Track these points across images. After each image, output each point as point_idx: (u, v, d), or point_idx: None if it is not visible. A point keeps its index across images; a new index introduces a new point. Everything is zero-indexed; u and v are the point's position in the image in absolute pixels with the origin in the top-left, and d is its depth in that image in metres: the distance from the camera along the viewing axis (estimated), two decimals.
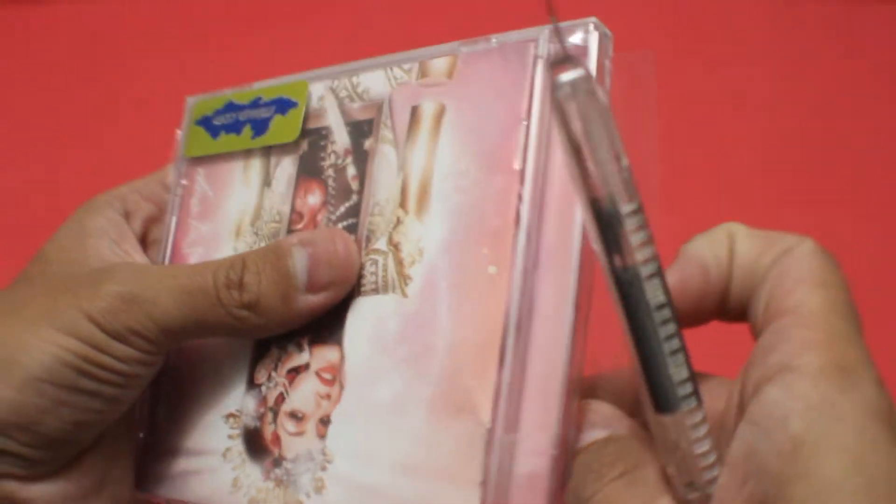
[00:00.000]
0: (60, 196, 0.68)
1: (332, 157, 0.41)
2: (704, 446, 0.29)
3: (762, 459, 0.27)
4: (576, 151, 0.28)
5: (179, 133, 0.46)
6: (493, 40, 0.38)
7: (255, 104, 0.43)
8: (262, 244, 0.41)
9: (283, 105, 0.42)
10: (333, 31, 0.79)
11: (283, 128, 0.42)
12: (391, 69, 0.40)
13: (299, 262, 0.38)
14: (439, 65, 0.39)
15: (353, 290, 0.38)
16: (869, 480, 0.26)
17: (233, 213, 0.43)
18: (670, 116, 0.63)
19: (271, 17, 0.80)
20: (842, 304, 0.30)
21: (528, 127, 0.35)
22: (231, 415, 0.40)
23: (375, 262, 0.38)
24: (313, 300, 0.38)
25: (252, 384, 0.40)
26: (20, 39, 0.81)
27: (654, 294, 0.28)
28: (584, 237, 0.34)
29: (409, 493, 0.34)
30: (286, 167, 0.42)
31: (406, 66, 0.40)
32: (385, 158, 0.39)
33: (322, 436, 0.37)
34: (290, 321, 0.38)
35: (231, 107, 0.44)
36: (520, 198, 0.35)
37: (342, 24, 0.79)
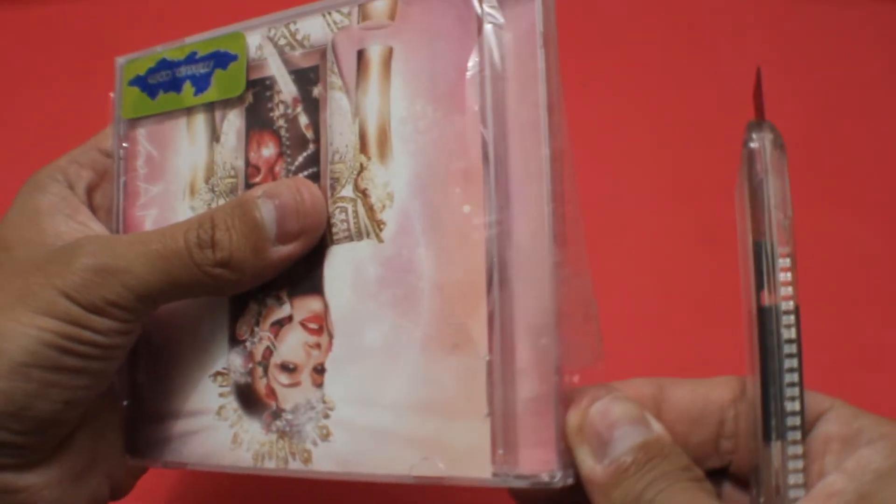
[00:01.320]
0: None
1: (281, 107, 0.41)
2: (798, 478, 0.33)
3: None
4: (754, 197, 0.33)
5: (113, 96, 0.45)
6: None
7: (191, 60, 0.43)
8: (221, 201, 0.42)
9: (221, 59, 0.42)
10: None
11: (227, 82, 0.42)
12: (329, 14, 0.40)
13: (267, 213, 0.38)
14: (380, 6, 0.39)
15: (325, 239, 0.39)
16: None
17: (183, 172, 0.43)
18: (671, 116, 0.64)
19: None
20: None
21: (481, 65, 0.36)
22: (218, 373, 0.41)
23: (345, 210, 0.38)
24: (285, 250, 0.38)
25: (235, 341, 0.41)
26: (20, 39, 0.78)
27: (787, 331, 0.33)
28: (554, 170, 0.35)
29: (417, 431, 0.36)
30: (233, 121, 0.42)
31: (345, 10, 0.40)
32: (338, 105, 0.39)
33: (318, 384, 0.38)
34: (264, 273, 0.39)
35: (165, 64, 0.43)
36: (483, 137, 0.36)
37: None
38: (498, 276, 0.35)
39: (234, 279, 0.38)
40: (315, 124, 0.40)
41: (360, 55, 0.39)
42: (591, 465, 0.33)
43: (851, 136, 0.66)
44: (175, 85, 0.43)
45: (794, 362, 0.33)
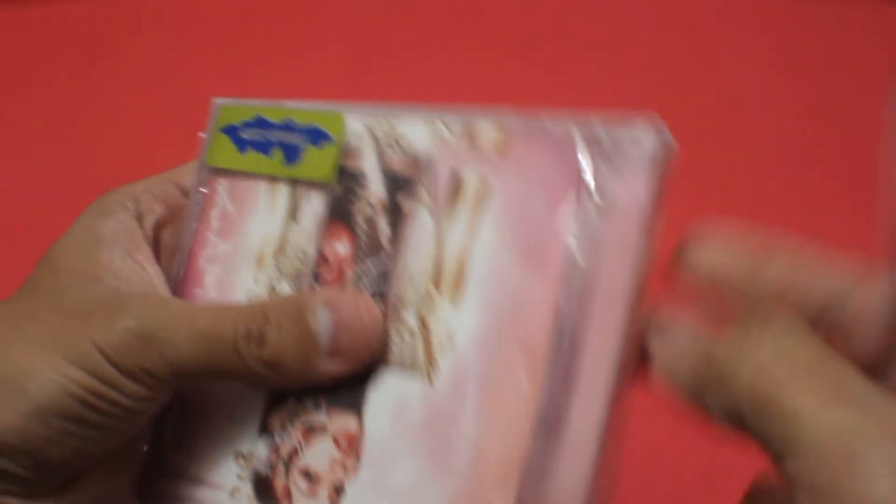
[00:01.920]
0: (61, 197, 0.67)
1: (366, 206, 0.39)
2: None
3: None
4: None
5: (203, 136, 0.44)
6: (547, 122, 0.36)
7: (287, 127, 0.41)
8: (283, 282, 0.40)
9: (316, 136, 0.40)
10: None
11: (318, 163, 0.40)
12: (435, 123, 0.38)
13: (323, 324, 0.37)
14: (488, 135, 0.37)
15: (376, 359, 0.38)
16: None
17: (255, 239, 0.42)
18: (671, 116, 0.62)
19: (278, 18, 0.78)
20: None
21: (573, 235, 0.34)
22: (241, 455, 0.40)
23: (402, 336, 0.37)
24: (333, 366, 0.37)
25: (264, 429, 0.40)
26: (20, 39, 0.78)
27: None
28: (623, 360, 0.33)
29: None
30: (315, 204, 0.40)
31: (451, 125, 0.38)
32: (421, 225, 0.37)
33: (334, 503, 0.37)
34: (307, 381, 0.38)
35: (261, 122, 0.42)
36: (559, 310, 0.34)
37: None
38: (536, 462, 0.33)
39: (275, 379, 0.37)
40: (395, 237, 0.38)
41: (456, 179, 0.37)
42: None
43: (851, 136, 0.65)
44: (265, 147, 0.41)
45: None
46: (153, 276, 0.42)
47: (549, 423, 0.34)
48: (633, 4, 0.70)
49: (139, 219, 0.42)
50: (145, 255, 0.42)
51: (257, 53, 0.77)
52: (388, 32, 0.79)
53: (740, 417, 0.30)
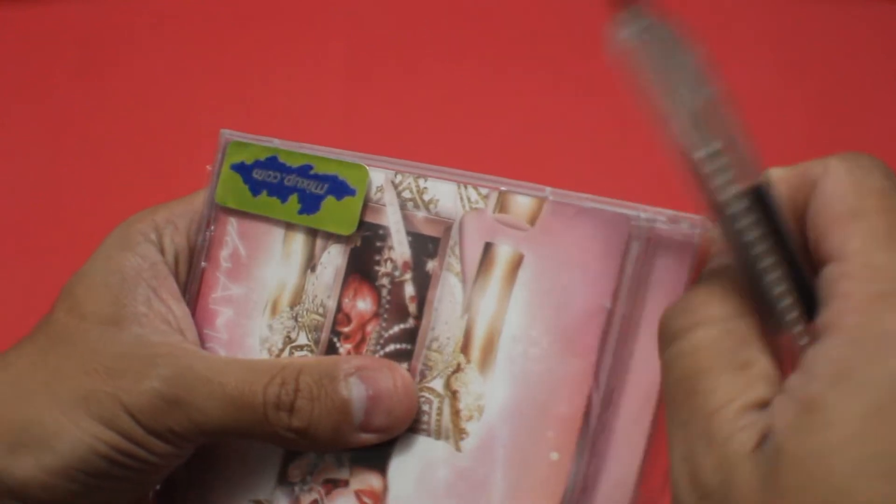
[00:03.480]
0: (60, 197, 0.67)
1: (389, 265, 0.39)
2: None
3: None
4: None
5: (210, 169, 0.42)
6: (588, 201, 0.36)
7: (305, 172, 0.40)
8: (301, 333, 0.40)
9: (338, 187, 0.40)
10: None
11: (338, 216, 0.39)
12: (465, 187, 0.38)
13: (357, 398, 0.37)
14: (522, 203, 0.37)
15: None
16: None
17: (269, 285, 0.41)
18: None
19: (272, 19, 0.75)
20: (882, 231, 0.28)
21: (611, 314, 0.35)
22: (258, 502, 0.41)
23: (430, 403, 0.38)
24: (365, 438, 0.37)
25: (284, 479, 0.40)
26: (20, 39, 0.74)
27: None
28: (649, 445, 0.35)
29: None
30: (334, 256, 0.40)
31: (482, 191, 0.37)
32: (450, 291, 0.38)
33: None
34: (337, 450, 0.38)
35: (275, 163, 0.41)
36: (592, 391, 0.35)
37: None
38: None
39: (305, 446, 0.38)
40: (421, 300, 0.38)
41: (487, 248, 0.37)
42: None
43: (851, 137, 0.66)
44: (281, 192, 0.41)
45: (771, 259, 0.29)
46: (179, 317, 0.41)
47: (579, 492, 0.35)
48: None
49: (162, 252, 0.41)
50: (170, 291, 0.41)
51: (257, 53, 0.74)
52: (389, 33, 0.77)
53: None
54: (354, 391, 0.37)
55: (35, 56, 0.73)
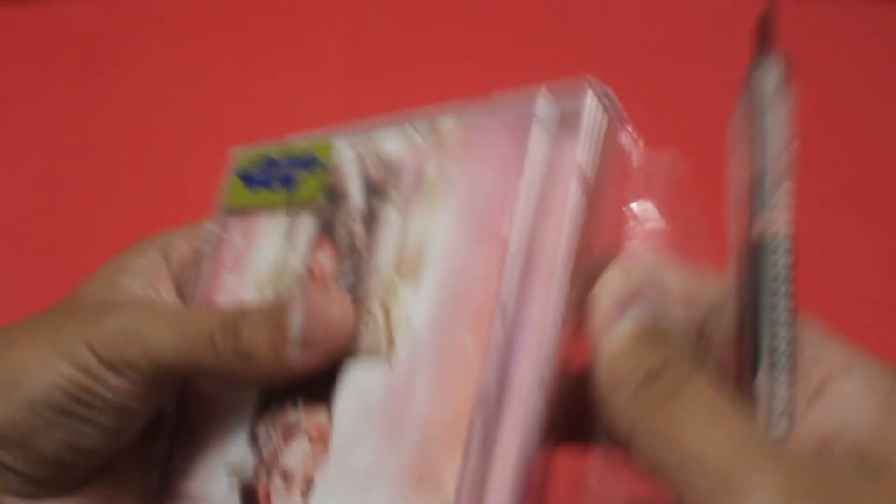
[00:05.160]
0: (60, 196, 0.69)
1: (346, 216, 0.41)
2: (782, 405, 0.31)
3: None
4: (754, 126, 0.33)
5: (222, 184, 0.47)
6: (494, 100, 0.37)
7: (288, 161, 0.44)
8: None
9: (310, 164, 0.43)
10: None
11: (308, 188, 0.43)
12: (407, 129, 0.40)
13: (295, 318, 0.38)
14: (446, 126, 0.38)
15: (346, 351, 0.38)
16: None
17: (257, 267, 0.44)
18: (669, 117, 0.62)
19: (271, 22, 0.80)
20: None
21: (518, 194, 0.35)
22: (232, 465, 0.41)
23: (367, 325, 0.38)
24: (303, 357, 0.38)
25: (254, 438, 0.41)
26: (20, 39, 0.82)
27: (786, 257, 0.32)
28: (564, 319, 0.33)
29: None
30: (308, 226, 0.43)
31: (420, 127, 0.40)
32: (389, 221, 0.39)
33: (304, 495, 0.37)
34: (279, 374, 0.39)
35: (268, 161, 0.45)
36: (502, 270, 0.34)
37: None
38: (481, 419, 0.33)
39: (248, 369, 0.38)
40: (366, 237, 0.40)
41: (419, 174, 0.39)
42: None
43: (851, 136, 0.64)
44: (269, 182, 0.44)
45: (790, 289, 0.32)
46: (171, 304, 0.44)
47: (493, 387, 0.33)
48: (633, 5, 0.70)
49: (167, 257, 0.46)
50: (166, 287, 0.45)
51: (257, 53, 0.79)
52: (389, 33, 0.80)
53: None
54: (294, 310, 0.38)
55: (35, 56, 0.75)
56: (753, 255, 0.32)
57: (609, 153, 0.35)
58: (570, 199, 0.34)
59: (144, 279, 0.44)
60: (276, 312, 0.38)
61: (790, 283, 0.31)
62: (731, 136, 0.34)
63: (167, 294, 0.45)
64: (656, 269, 0.34)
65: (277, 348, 0.38)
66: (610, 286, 0.33)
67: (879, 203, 0.62)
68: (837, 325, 0.56)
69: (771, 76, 0.33)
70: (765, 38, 0.34)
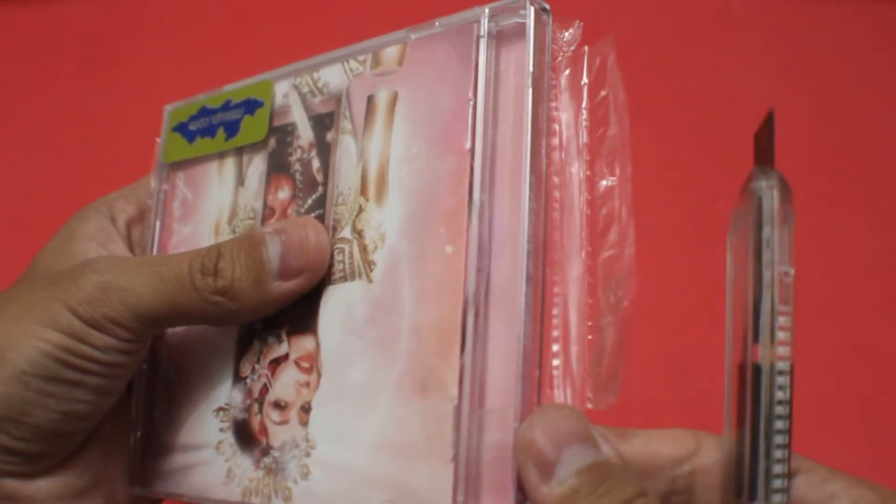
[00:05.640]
0: (60, 195, 0.69)
1: (298, 151, 0.42)
2: None
3: None
4: (756, 250, 0.32)
5: (159, 141, 0.47)
6: (437, 24, 0.38)
7: (226, 107, 0.45)
8: None
9: (250, 106, 0.44)
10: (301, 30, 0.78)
11: (252, 128, 0.43)
12: (348, 62, 0.41)
13: (272, 248, 0.39)
14: (391, 53, 0.39)
15: (324, 280, 0.39)
16: None
17: (211, 213, 0.44)
18: (670, 115, 0.63)
19: (269, 18, 0.80)
20: None
21: (474, 106, 0.36)
22: (220, 408, 0.42)
23: (342, 251, 0.39)
24: (286, 286, 0.39)
25: (238, 378, 0.41)
26: (20, 39, 0.81)
27: (781, 391, 0.31)
28: (536, 214, 0.35)
29: (385, 472, 0.35)
30: (257, 165, 0.43)
31: (361, 58, 0.41)
32: (346, 149, 0.40)
33: (304, 423, 0.38)
34: (263, 307, 0.39)
35: (205, 111, 0.45)
36: (471, 177, 0.35)
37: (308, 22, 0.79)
38: (473, 320, 0.34)
39: (233, 309, 0.39)
40: (325, 168, 0.40)
41: (370, 100, 0.40)
42: (538, 486, 0.31)
43: (851, 136, 0.65)
44: (210, 131, 0.45)
45: (786, 424, 0.31)
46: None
47: (478, 284, 0.34)
48: (634, 4, 0.71)
49: (112, 220, 0.46)
50: (119, 245, 0.45)
51: (257, 53, 0.79)
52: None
53: None
54: (270, 244, 0.39)
55: (36, 56, 0.77)
56: (752, 384, 0.32)
57: (549, 59, 0.37)
58: (525, 106, 0.35)
59: (97, 243, 0.44)
60: (250, 245, 0.39)
61: (786, 417, 0.31)
62: (729, 237, 0.34)
63: (119, 251, 0.45)
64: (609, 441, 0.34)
65: (260, 281, 0.39)
66: (552, 426, 0.33)
67: (880, 202, 0.64)
68: (839, 325, 0.58)
69: (772, 194, 0.32)
70: (765, 148, 0.34)
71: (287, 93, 0.43)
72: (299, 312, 0.40)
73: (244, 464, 0.40)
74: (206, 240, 0.44)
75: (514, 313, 0.34)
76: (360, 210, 0.39)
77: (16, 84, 0.80)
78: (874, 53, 0.67)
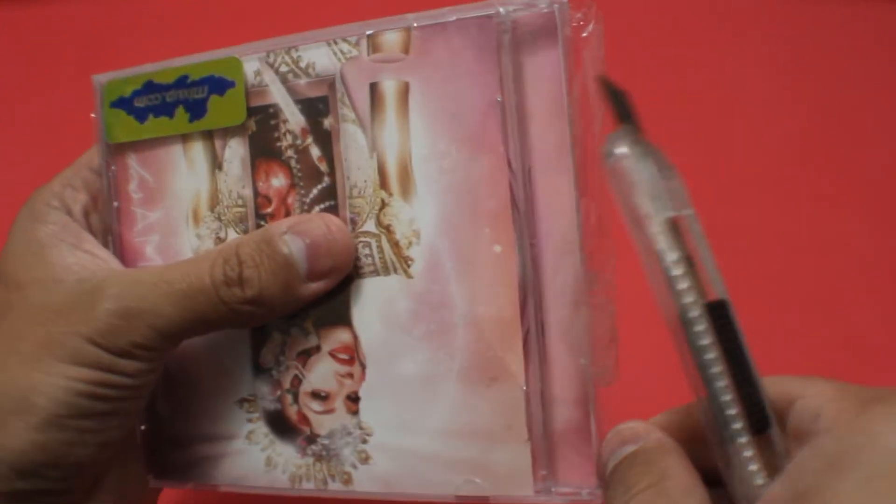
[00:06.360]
0: None
1: (289, 136, 0.40)
2: (760, 477, 0.33)
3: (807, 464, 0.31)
4: (630, 215, 0.33)
5: (94, 117, 0.43)
6: (450, 14, 0.38)
7: (182, 84, 0.41)
8: (229, 230, 0.41)
9: (217, 85, 0.41)
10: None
11: (226, 110, 0.41)
12: (335, 43, 0.39)
13: (296, 250, 0.38)
14: (392, 39, 0.39)
15: (350, 273, 0.40)
16: None
17: (184, 198, 0.42)
18: (669, 115, 0.64)
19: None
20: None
21: (504, 104, 0.37)
22: (244, 400, 0.42)
23: (368, 245, 0.39)
24: (315, 287, 0.39)
25: (260, 369, 0.42)
26: (20, 39, 0.74)
27: (708, 335, 0.33)
28: (582, 203, 0.37)
29: (459, 455, 0.38)
30: (236, 149, 0.41)
31: (352, 40, 0.39)
32: (352, 138, 0.39)
33: (353, 412, 0.40)
34: (291, 308, 0.40)
35: (152, 86, 0.42)
36: (510, 180, 0.37)
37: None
38: (532, 312, 0.37)
39: (262, 314, 0.39)
40: (329, 157, 0.40)
41: (374, 88, 0.39)
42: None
43: (851, 136, 0.67)
44: (167, 110, 0.42)
45: (720, 367, 0.32)
46: (106, 258, 0.42)
47: (533, 280, 0.37)
48: (633, 4, 0.69)
49: (69, 213, 0.42)
50: (90, 242, 0.42)
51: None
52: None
53: None
54: (293, 245, 0.38)
55: (36, 56, 0.73)
56: (686, 335, 0.33)
57: (574, 48, 0.38)
58: (560, 102, 0.36)
59: (67, 244, 0.41)
60: (270, 248, 0.38)
61: (735, 349, 0.32)
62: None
63: (95, 248, 0.42)
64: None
65: (289, 285, 0.39)
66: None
67: (880, 202, 0.65)
68: (840, 324, 0.61)
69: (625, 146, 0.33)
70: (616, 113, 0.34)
71: (259, 70, 0.41)
72: (326, 305, 0.40)
73: (286, 452, 0.41)
74: (184, 226, 0.42)
75: (571, 304, 0.37)
76: (384, 204, 0.39)
77: (16, 84, 0.72)
78: (874, 53, 0.69)
